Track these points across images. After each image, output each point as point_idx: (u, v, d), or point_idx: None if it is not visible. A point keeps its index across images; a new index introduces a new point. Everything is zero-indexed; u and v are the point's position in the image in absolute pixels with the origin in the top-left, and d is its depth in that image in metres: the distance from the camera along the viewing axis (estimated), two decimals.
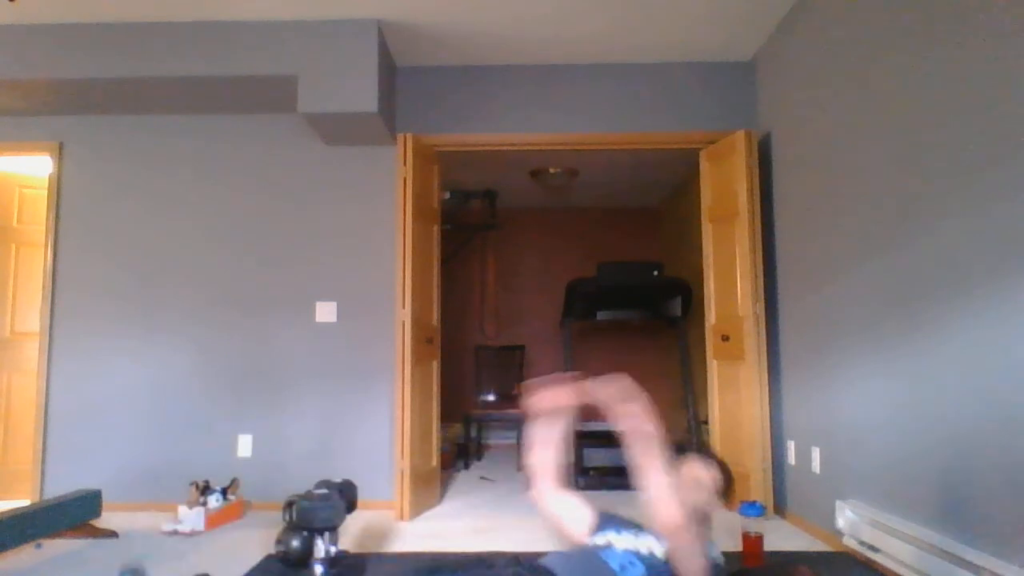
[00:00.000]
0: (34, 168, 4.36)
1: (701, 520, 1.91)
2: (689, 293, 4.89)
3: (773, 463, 3.61)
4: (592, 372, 1.87)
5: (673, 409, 6.29)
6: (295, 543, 2.63)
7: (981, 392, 2.06)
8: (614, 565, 1.78)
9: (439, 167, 4.13)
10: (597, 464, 4.53)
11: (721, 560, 1.88)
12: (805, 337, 3.34)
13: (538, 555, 1.91)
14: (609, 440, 5.04)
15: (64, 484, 3.83)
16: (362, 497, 3.77)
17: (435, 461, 3.95)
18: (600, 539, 1.91)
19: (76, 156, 4.05)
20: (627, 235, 6.98)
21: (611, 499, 4.03)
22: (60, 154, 4.04)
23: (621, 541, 1.87)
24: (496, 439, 6.62)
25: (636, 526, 1.94)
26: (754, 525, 3.35)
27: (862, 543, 2.67)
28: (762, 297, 3.68)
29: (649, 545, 1.84)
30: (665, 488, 1.71)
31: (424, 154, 3.92)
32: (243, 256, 4.00)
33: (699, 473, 1.96)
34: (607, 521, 1.97)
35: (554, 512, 2.02)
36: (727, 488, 1.97)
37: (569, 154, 5.16)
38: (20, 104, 3.88)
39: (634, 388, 1.76)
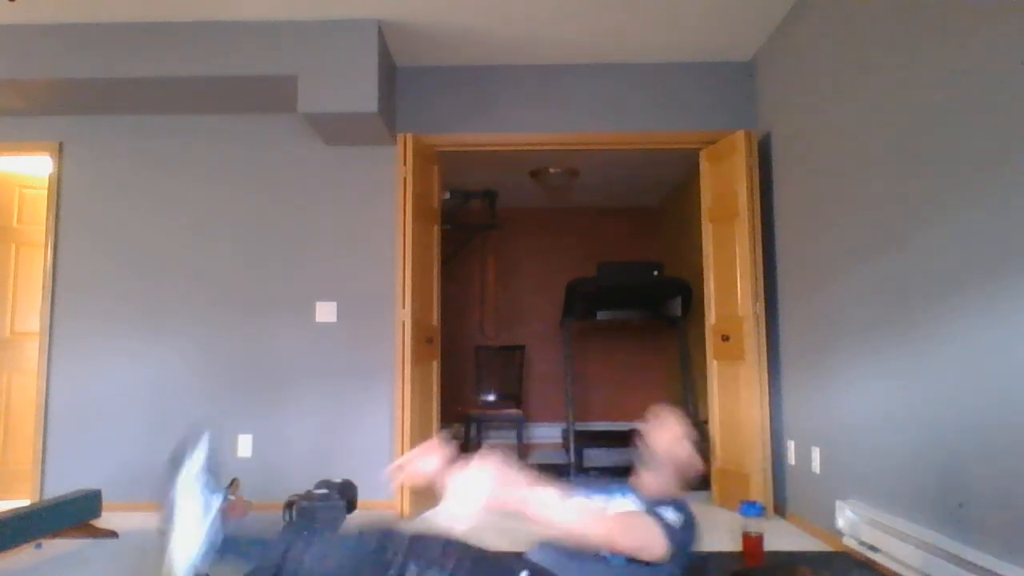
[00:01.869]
0: (34, 168, 4.35)
1: (680, 475, 1.83)
2: (689, 293, 4.89)
3: (773, 463, 3.61)
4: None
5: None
6: None
7: (981, 392, 2.06)
8: None
9: (439, 167, 4.13)
10: (597, 464, 4.54)
11: (679, 522, 1.68)
12: (805, 337, 3.34)
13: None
14: (609, 440, 5.05)
15: (64, 484, 3.82)
16: (362, 497, 3.77)
17: None
18: None
19: (76, 156, 4.05)
20: (627, 235, 6.98)
21: None
22: (60, 154, 4.04)
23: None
24: (496, 439, 6.63)
25: (608, 491, 1.85)
26: (754, 525, 3.35)
27: (862, 543, 2.67)
28: (762, 297, 3.67)
29: (626, 507, 1.73)
30: (579, 513, 1.54)
31: (424, 154, 3.92)
32: (243, 256, 3.99)
33: (676, 428, 1.86)
34: (577, 489, 1.81)
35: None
36: (704, 443, 1.88)
37: (569, 154, 5.16)
38: (20, 104, 3.88)
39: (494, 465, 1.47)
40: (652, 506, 1.69)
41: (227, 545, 1.56)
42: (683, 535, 1.65)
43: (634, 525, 1.59)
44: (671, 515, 1.66)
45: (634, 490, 1.83)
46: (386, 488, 3.79)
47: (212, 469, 1.60)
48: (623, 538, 1.54)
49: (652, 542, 1.55)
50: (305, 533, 1.57)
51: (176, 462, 1.57)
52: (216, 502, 1.56)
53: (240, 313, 3.96)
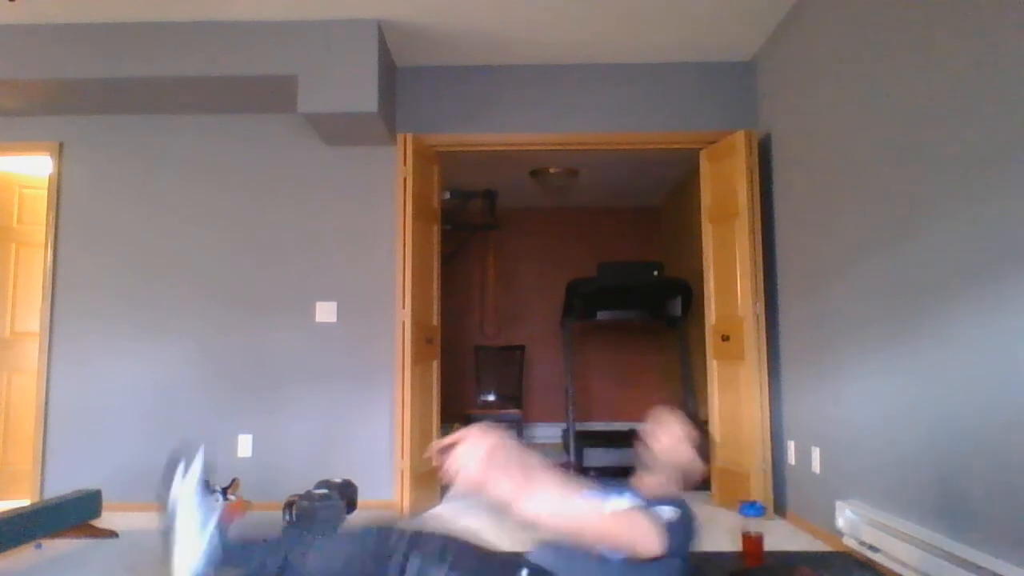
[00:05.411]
0: (34, 168, 4.35)
1: (682, 477, 1.84)
2: (689, 293, 4.89)
3: (773, 463, 3.61)
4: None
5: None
6: None
7: (981, 392, 2.06)
8: None
9: (439, 167, 4.13)
10: (597, 464, 4.54)
11: (676, 518, 1.64)
12: (805, 337, 3.34)
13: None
14: (609, 440, 5.05)
15: (64, 484, 3.83)
16: (362, 497, 3.78)
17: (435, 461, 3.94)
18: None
19: (76, 156, 4.05)
20: (627, 235, 6.98)
21: None
22: (60, 154, 4.04)
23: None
24: None
25: (606, 490, 1.78)
26: (754, 525, 3.36)
27: (862, 543, 2.67)
28: (762, 297, 3.68)
29: (623, 505, 1.69)
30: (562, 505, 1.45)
31: (424, 154, 3.92)
32: (243, 256, 3.99)
33: (678, 430, 1.85)
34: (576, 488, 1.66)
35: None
36: (705, 444, 1.88)
37: (569, 154, 5.16)
38: (20, 104, 3.88)
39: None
40: (649, 504, 1.68)
41: (229, 553, 1.56)
42: (680, 533, 1.62)
43: (629, 521, 1.55)
44: (668, 512, 1.63)
45: (633, 490, 1.83)
46: (386, 487, 3.80)
47: (207, 481, 1.61)
48: (617, 534, 1.50)
49: (647, 538, 1.51)
50: (306, 534, 1.57)
51: (171, 473, 1.58)
52: (214, 515, 1.56)
53: (240, 313, 3.96)
